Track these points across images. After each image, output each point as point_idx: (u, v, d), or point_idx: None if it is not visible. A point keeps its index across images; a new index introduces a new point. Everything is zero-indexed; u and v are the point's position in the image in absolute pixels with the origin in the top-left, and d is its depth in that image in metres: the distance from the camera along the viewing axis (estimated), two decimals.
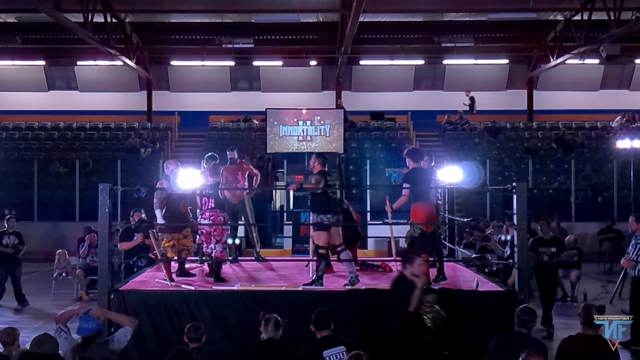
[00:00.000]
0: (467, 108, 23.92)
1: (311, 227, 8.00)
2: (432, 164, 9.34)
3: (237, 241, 10.80)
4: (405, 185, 7.94)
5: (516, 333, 5.62)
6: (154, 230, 9.39)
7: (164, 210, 8.53)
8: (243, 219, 10.34)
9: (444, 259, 8.58)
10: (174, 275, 8.38)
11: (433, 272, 8.41)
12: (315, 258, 8.05)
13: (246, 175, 10.22)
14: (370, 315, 7.08)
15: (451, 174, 11.04)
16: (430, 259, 8.56)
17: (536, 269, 9.73)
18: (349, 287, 7.63)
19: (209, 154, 10.25)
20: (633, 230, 8.87)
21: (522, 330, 5.59)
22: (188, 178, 8.54)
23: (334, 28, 21.96)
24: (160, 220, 8.52)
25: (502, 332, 5.78)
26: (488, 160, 19.70)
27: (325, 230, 7.74)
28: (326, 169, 8.03)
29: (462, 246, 11.77)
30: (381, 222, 15.28)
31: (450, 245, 10.60)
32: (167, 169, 8.87)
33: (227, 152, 10.44)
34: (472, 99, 23.69)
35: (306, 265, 9.09)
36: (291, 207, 17.23)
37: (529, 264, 10.26)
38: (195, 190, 8.79)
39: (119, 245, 9.77)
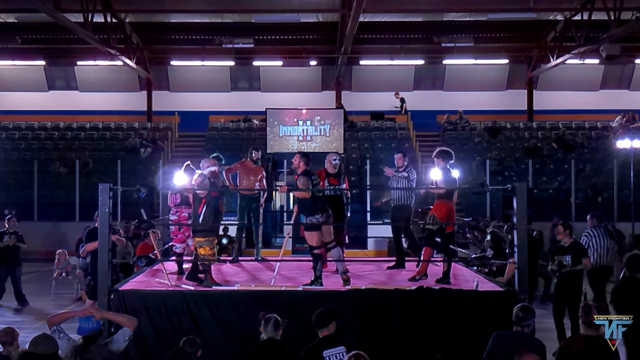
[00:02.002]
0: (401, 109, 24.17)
1: (303, 228, 7.98)
2: (405, 163, 9.29)
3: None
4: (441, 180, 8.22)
5: (514, 332, 5.60)
6: (154, 230, 9.40)
7: (204, 211, 7.94)
8: (252, 218, 10.30)
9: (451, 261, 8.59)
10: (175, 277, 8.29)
11: (433, 270, 8.43)
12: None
13: (259, 178, 10.24)
14: (370, 315, 7.08)
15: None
16: (438, 257, 8.60)
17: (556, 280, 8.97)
18: (349, 287, 7.64)
19: (215, 154, 10.26)
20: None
21: (520, 329, 5.58)
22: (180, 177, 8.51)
23: (334, 28, 21.96)
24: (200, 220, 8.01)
25: (500, 331, 5.77)
26: (488, 160, 19.71)
27: (317, 231, 7.76)
28: (309, 167, 8.03)
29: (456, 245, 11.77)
30: (381, 222, 15.33)
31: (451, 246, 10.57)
32: (202, 166, 8.23)
33: (252, 150, 10.44)
34: (402, 100, 23.68)
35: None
36: (291, 207, 17.22)
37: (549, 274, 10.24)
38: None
39: (85, 245, 9.43)
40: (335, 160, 9.01)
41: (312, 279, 7.80)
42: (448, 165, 8.29)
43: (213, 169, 8.19)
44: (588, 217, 9.79)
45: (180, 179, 8.66)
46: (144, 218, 12.29)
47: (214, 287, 7.75)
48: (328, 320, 5.77)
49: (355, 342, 6.11)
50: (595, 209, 18.52)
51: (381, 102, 24.58)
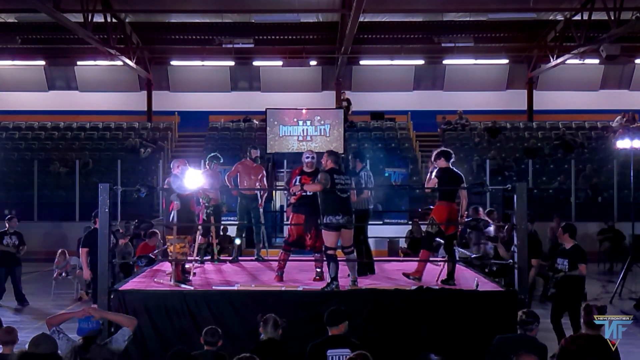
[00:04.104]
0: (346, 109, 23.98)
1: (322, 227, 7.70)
2: (364, 164, 9.18)
3: (238, 241, 10.78)
4: (435, 178, 8.08)
5: (517, 335, 5.61)
6: (156, 231, 9.39)
7: (174, 212, 8.05)
8: (253, 218, 10.26)
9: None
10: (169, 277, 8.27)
11: (432, 271, 8.42)
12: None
13: (259, 177, 10.23)
14: (370, 315, 7.07)
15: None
16: (438, 258, 8.57)
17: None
18: (349, 287, 7.64)
19: (212, 154, 10.26)
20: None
21: (523, 333, 5.57)
22: (193, 177, 8.48)
23: (334, 28, 21.96)
24: (171, 220, 8.07)
25: (502, 333, 5.77)
26: (488, 160, 19.70)
27: (335, 231, 7.58)
28: (338, 167, 7.85)
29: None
30: (381, 222, 15.33)
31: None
32: (175, 169, 8.31)
33: (251, 149, 10.40)
34: (347, 101, 23.67)
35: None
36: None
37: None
38: (198, 189, 8.67)
39: (81, 249, 9.50)
40: (307, 158, 8.62)
41: (328, 281, 7.53)
42: (450, 164, 8.11)
43: (182, 169, 8.17)
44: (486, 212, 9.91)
45: (192, 178, 8.51)
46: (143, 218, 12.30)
47: (182, 286, 7.68)
48: (339, 319, 5.72)
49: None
50: (596, 209, 18.69)
51: (381, 102, 24.58)
